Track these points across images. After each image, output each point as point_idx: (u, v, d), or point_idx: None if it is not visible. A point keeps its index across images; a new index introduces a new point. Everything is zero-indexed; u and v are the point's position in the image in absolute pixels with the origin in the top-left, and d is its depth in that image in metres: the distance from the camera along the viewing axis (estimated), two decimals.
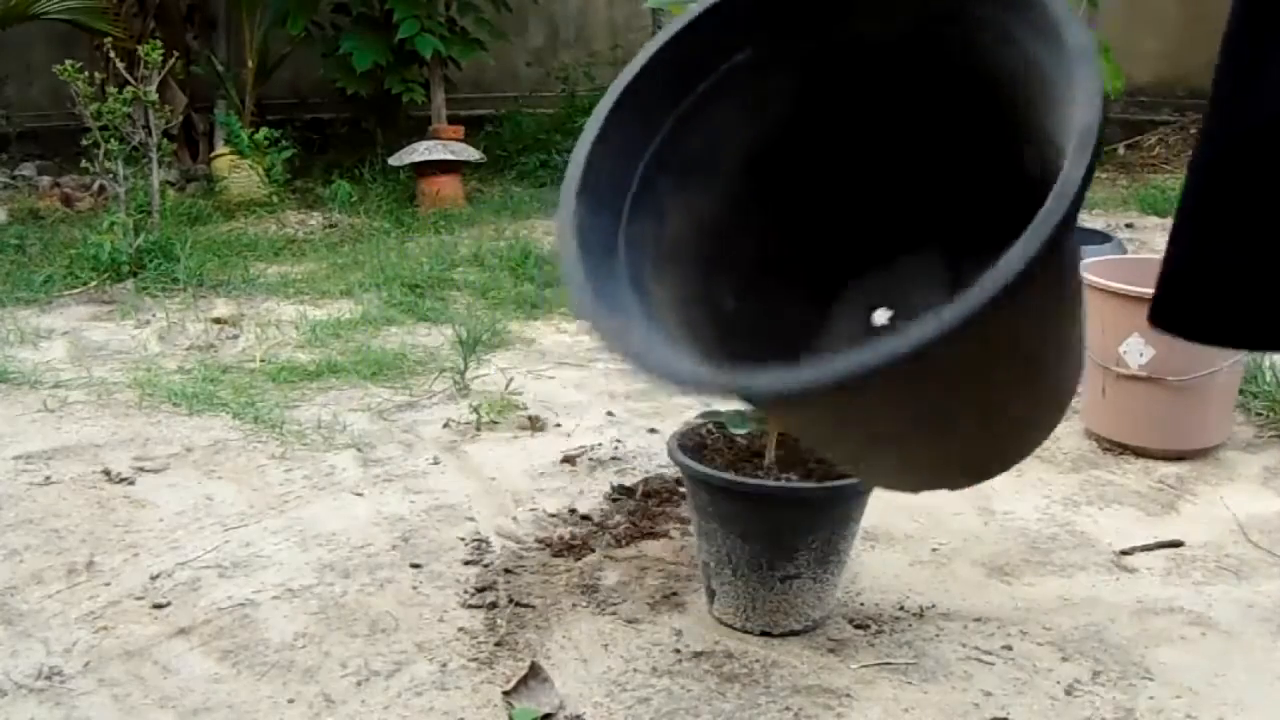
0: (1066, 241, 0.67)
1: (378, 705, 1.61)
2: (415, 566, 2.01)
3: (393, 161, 5.51)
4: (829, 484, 1.76)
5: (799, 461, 1.82)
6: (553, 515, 2.22)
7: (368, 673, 1.69)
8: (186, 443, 2.58)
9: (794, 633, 1.78)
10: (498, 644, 1.75)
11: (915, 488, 0.98)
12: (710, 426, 1.91)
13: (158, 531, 2.15)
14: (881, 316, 0.93)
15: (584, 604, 1.88)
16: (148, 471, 2.42)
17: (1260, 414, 2.64)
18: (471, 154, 5.54)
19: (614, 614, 1.85)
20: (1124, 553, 2.05)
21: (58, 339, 3.41)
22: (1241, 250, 0.73)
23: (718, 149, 0.84)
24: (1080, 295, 0.81)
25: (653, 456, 2.49)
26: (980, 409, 0.77)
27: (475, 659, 1.72)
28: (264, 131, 5.37)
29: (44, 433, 2.64)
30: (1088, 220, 5.01)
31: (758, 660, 1.71)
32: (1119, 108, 5.84)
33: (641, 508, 2.22)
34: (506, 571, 1.98)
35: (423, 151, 5.41)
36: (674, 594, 1.91)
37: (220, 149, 5.73)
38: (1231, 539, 2.11)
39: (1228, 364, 2.41)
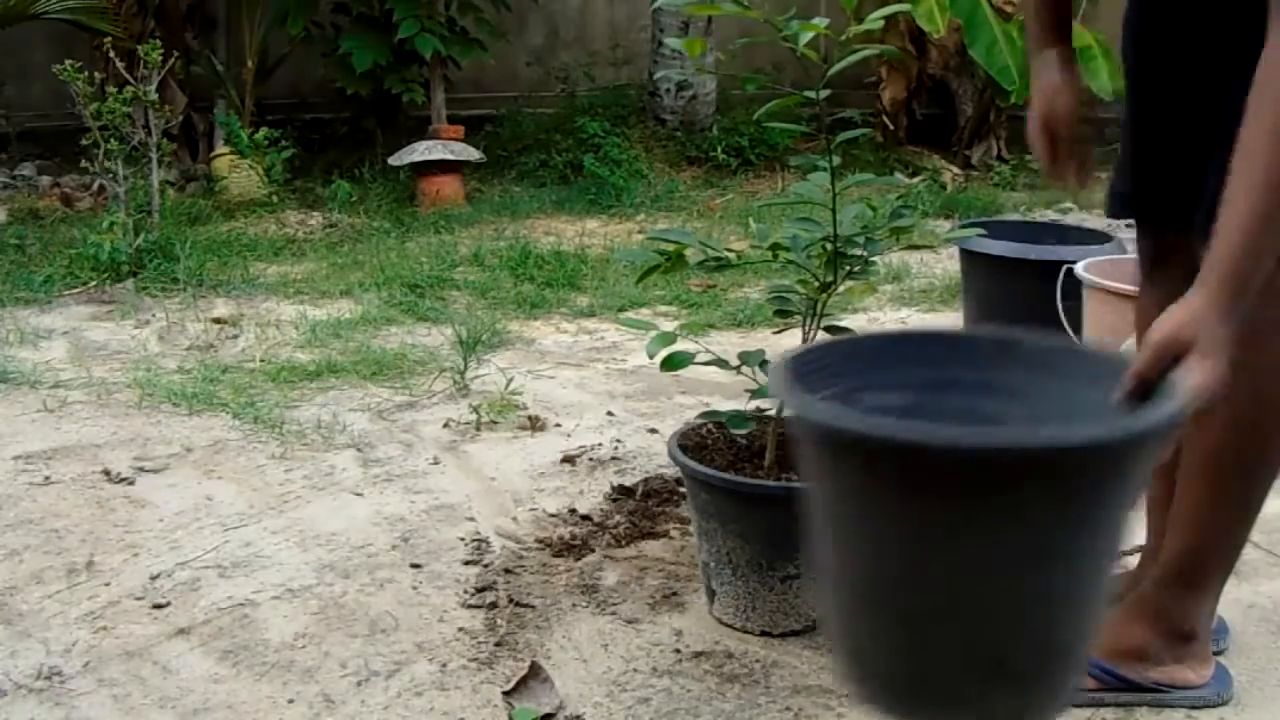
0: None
1: (378, 705, 1.61)
2: (415, 566, 2.01)
3: (393, 161, 5.51)
4: None
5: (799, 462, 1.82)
6: (553, 515, 2.22)
7: (368, 673, 1.69)
8: (186, 443, 2.58)
9: (794, 633, 1.78)
10: (498, 644, 1.75)
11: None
12: (710, 426, 1.91)
13: (158, 531, 2.15)
14: None
15: (584, 604, 1.88)
16: (148, 471, 2.42)
17: None
18: (471, 154, 5.54)
19: (614, 614, 1.85)
20: (1124, 552, 2.05)
21: (58, 339, 3.41)
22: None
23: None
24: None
25: (653, 456, 2.49)
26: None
27: (475, 659, 1.72)
28: (264, 131, 5.37)
29: (44, 433, 2.64)
30: (1088, 220, 5.02)
31: (758, 660, 1.71)
32: (1119, 108, 5.83)
33: (641, 508, 2.22)
34: (506, 571, 1.98)
35: (423, 151, 5.41)
36: (674, 594, 1.91)
37: (220, 149, 5.72)
38: None
39: None
